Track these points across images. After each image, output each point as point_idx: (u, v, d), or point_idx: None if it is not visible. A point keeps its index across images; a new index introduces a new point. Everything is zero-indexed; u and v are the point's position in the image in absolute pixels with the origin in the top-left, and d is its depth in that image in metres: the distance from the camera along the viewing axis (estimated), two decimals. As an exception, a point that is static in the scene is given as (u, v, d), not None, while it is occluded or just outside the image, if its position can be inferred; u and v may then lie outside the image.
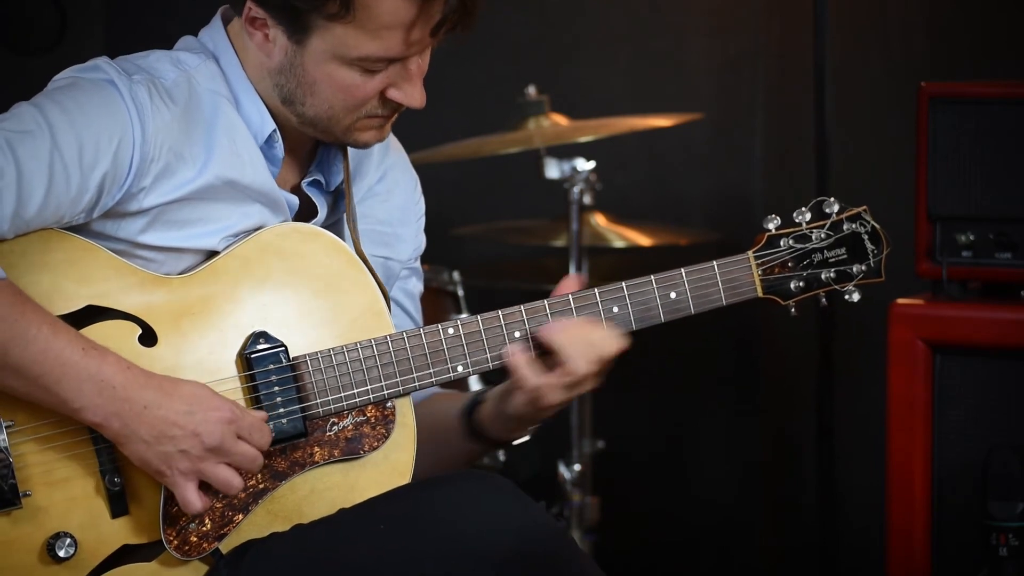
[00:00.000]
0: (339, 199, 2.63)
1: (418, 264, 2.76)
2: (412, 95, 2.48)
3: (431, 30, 2.42)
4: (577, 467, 4.23)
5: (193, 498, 2.38)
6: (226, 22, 2.54)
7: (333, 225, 2.62)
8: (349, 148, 2.60)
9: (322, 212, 2.60)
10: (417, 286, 2.76)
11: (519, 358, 2.53)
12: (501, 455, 3.96)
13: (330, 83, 2.45)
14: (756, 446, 4.71)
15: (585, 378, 2.53)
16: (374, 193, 2.67)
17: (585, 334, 2.53)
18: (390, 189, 2.69)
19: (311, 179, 2.59)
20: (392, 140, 2.69)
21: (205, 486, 2.40)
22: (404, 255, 2.71)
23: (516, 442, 2.68)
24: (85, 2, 4.79)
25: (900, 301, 3.39)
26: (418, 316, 2.76)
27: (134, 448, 2.35)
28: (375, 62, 2.44)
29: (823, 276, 2.65)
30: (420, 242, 2.75)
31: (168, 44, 2.56)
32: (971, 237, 3.38)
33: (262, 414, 2.43)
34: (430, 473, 2.60)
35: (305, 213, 2.59)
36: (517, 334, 2.55)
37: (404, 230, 2.71)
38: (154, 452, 2.35)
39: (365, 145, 2.54)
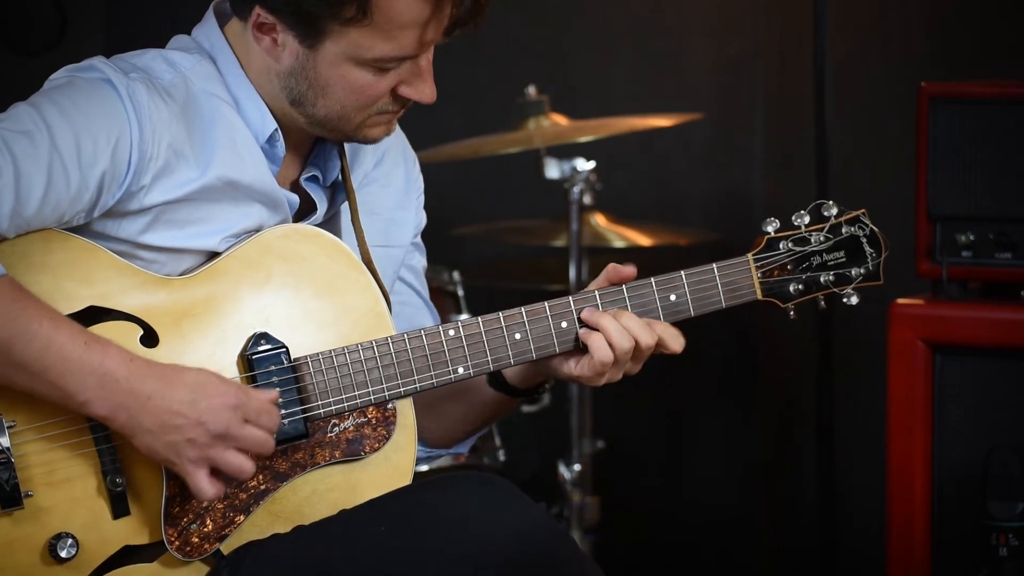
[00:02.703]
0: (336, 192, 2.63)
1: (419, 240, 2.76)
2: (423, 91, 2.48)
3: (445, 28, 2.43)
4: (577, 467, 4.24)
5: (205, 485, 2.37)
6: (219, 17, 2.54)
7: (331, 219, 2.62)
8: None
9: (321, 208, 2.60)
10: (420, 260, 2.76)
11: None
12: (501, 455, 3.96)
13: (343, 84, 2.46)
14: (756, 446, 4.71)
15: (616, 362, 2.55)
16: (372, 179, 2.67)
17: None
18: (388, 172, 2.69)
19: (309, 175, 2.59)
20: None
21: (217, 472, 2.39)
22: (404, 239, 2.71)
23: (536, 395, 2.67)
24: (85, 2, 4.79)
25: (900, 301, 3.39)
26: (424, 291, 2.75)
27: (142, 439, 2.35)
28: (389, 62, 2.44)
29: (822, 279, 2.65)
30: (420, 219, 2.75)
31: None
32: (971, 237, 3.38)
33: (271, 394, 2.42)
34: (448, 428, 2.65)
35: (304, 209, 2.59)
36: (518, 336, 2.55)
37: (402, 214, 2.71)
38: (161, 442, 2.35)
39: (374, 141, 2.55)
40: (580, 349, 2.56)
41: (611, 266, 2.60)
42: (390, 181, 2.69)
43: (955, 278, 3.40)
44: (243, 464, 2.39)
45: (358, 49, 2.42)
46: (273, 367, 2.46)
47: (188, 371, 2.37)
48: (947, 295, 3.39)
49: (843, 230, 2.66)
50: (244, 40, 2.50)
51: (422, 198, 2.75)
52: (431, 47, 2.46)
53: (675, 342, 2.58)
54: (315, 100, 2.48)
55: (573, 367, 2.56)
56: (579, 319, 2.56)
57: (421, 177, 2.75)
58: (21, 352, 2.29)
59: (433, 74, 2.49)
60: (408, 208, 2.72)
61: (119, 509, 2.41)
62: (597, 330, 2.53)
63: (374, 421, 2.52)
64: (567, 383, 2.67)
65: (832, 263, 2.66)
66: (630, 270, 2.59)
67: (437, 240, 2.81)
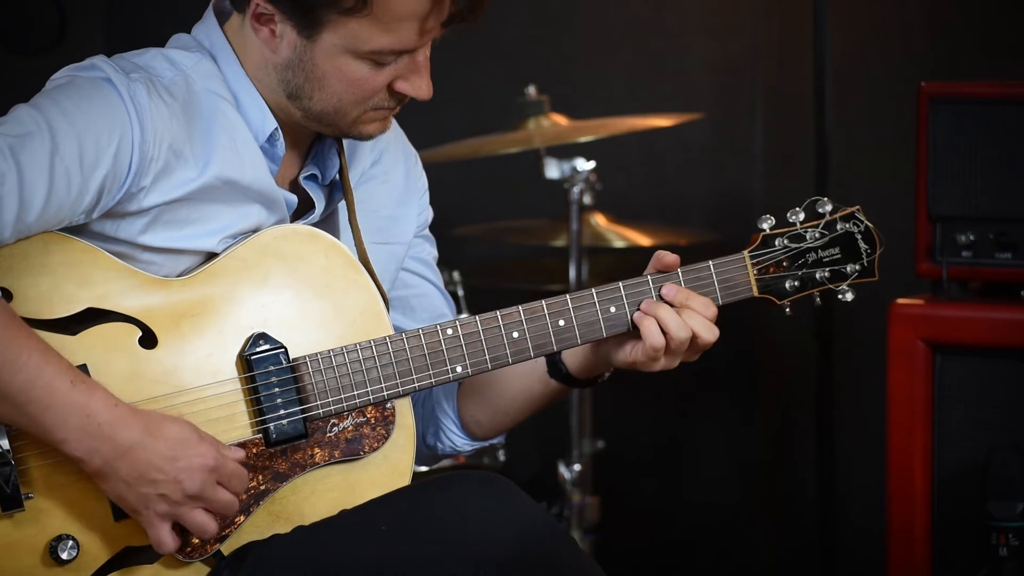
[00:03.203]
0: (334, 191, 2.63)
1: (427, 232, 2.75)
2: (420, 87, 2.48)
3: (444, 21, 2.43)
4: (577, 467, 4.24)
5: (167, 539, 2.37)
6: (219, 16, 2.54)
7: (328, 217, 2.62)
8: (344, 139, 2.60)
9: (319, 207, 2.59)
10: (431, 251, 2.75)
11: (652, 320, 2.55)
12: (501, 455, 3.96)
13: (340, 77, 2.45)
14: (756, 446, 4.71)
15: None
16: (370, 176, 2.67)
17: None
18: (387, 170, 2.69)
19: (308, 174, 2.59)
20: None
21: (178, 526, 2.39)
22: (405, 236, 2.70)
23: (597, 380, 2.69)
24: (85, 2, 4.78)
25: (900, 301, 3.39)
26: (438, 280, 2.75)
27: (113, 486, 2.34)
28: (387, 55, 2.44)
29: (817, 276, 2.66)
30: (426, 215, 2.74)
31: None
32: (971, 237, 3.38)
33: (240, 454, 2.42)
34: (501, 420, 2.67)
35: (301, 208, 2.59)
36: (515, 334, 2.55)
37: (403, 211, 2.70)
38: (134, 493, 2.34)
39: (369, 137, 2.54)
40: (634, 335, 2.57)
41: (657, 253, 2.61)
42: (389, 178, 2.69)
43: (955, 278, 3.40)
44: (207, 524, 2.38)
45: (356, 41, 2.42)
46: (272, 367, 2.46)
47: (171, 424, 2.36)
48: (947, 295, 3.40)
49: (838, 226, 2.66)
50: (242, 36, 2.50)
51: (427, 194, 2.74)
52: (429, 43, 2.46)
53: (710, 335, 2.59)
54: (312, 93, 2.48)
55: (628, 353, 2.57)
56: (636, 307, 2.57)
57: (424, 174, 2.75)
58: (6, 382, 2.27)
59: (430, 71, 2.48)
60: (409, 205, 2.71)
61: (119, 511, 2.40)
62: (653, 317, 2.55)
63: (373, 421, 2.52)
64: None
65: (827, 259, 2.66)
66: (673, 258, 2.60)
67: (437, 240, 2.80)
